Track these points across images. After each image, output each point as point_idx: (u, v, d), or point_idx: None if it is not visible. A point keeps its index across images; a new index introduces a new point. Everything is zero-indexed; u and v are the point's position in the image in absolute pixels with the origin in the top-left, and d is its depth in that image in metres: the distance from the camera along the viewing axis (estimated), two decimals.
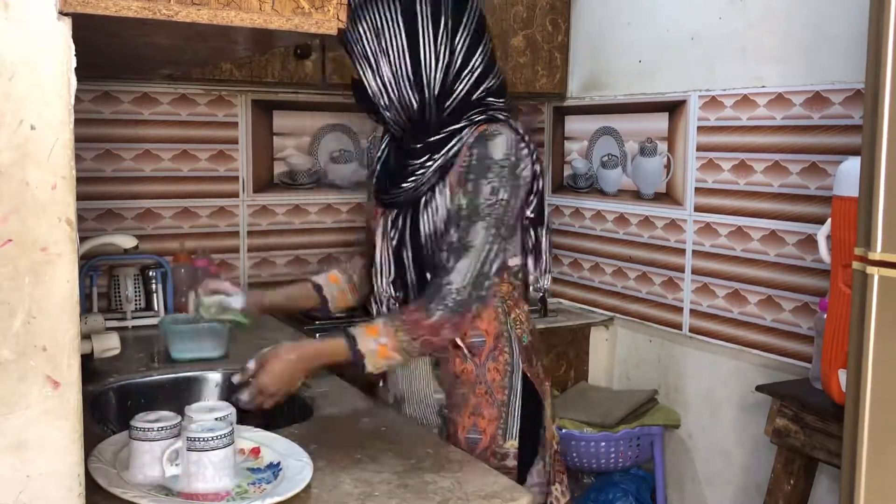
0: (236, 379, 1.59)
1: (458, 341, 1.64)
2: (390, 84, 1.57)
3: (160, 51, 1.41)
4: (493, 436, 1.64)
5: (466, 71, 1.59)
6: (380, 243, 1.70)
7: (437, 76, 1.58)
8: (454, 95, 1.59)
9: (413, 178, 1.61)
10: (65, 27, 0.89)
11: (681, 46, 2.59)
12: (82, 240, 2.11)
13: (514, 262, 1.67)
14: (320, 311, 1.91)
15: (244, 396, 1.55)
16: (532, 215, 1.66)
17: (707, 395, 2.57)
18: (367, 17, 1.55)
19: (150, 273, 2.51)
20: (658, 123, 2.68)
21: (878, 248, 1.42)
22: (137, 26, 1.02)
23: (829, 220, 1.84)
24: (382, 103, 1.60)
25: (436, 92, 1.58)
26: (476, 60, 1.60)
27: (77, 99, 0.92)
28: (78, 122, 0.93)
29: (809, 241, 2.25)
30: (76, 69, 0.91)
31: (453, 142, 1.59)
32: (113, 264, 2.52)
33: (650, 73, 2.70)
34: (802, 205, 2.28)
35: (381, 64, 1.56)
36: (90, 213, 2.59)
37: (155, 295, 2.51)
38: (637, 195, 2.78)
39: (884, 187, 1.40)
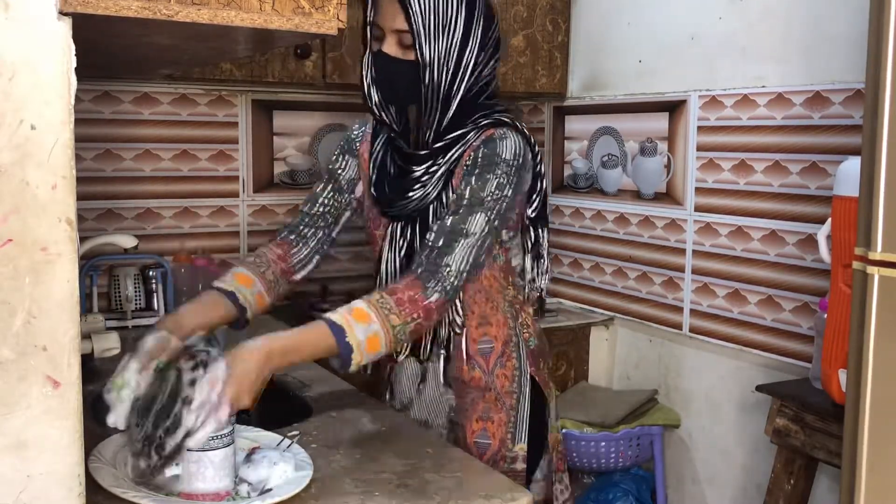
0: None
1: (467, 349, 1.62)
2: (439, 61, 1.53)
3: (160, 51, 1.40)
4: (502, 440, 1.63)
5: (485, 74, 1.60)
6: (386, 252, 1.64)
7: (471, 71, 1.56)
8: (471, 93, 1.58)
9: (419, 187, 1.58)
10: (65, 27, 0.89)
11: (681, 46, 2.59)
12: (82, 240, 2.10)
13: (517, 262, 1.66)
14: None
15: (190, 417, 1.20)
16: (533, 215, 1.64)
17: (707, 394, 2.57)
18: None
19: (150, 273, 2.52)
20: (658, 123, 2.68)
21: (879, 248, 1.42)
22: (137, 26, 1.02)
23: (830, 219, 1.84)
24: (426, 79, 1.53)
25: (468, 88, 1.56)
26: (492, 67, 1.61)
27: (77, 99, 0.92)
28: (78, 121, 0.93)
29: (809, 241, 2.25)
30: (76, 69, 0.91)
31: (457, 146, 1.57)
32: (113, 264, 2.52)
33: (650, 73, 2.70)
34: (802, 205, 2.28)
35: (440, 39, 1.52)
36: (90, 213, 2.59)
37: (155, 295, 2.51)
38: (637, 195, 2.78)
39: (884, 187, 1.40)
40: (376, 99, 1.58)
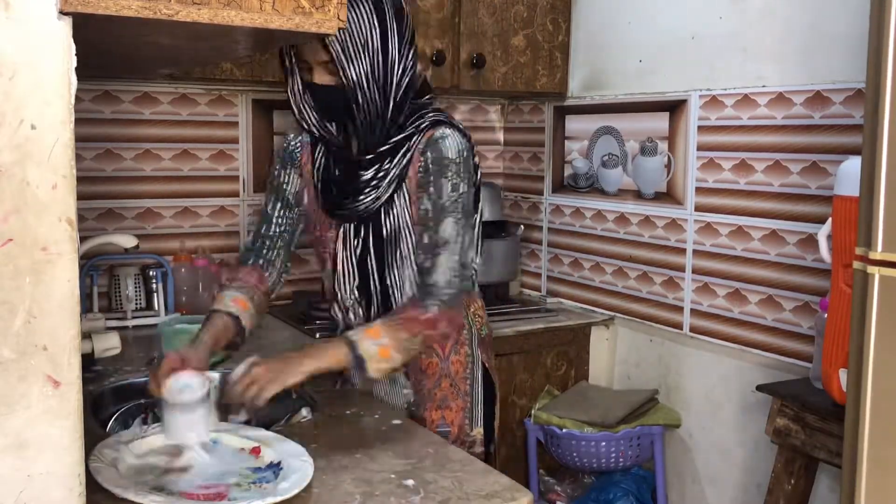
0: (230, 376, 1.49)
1: None
2: (367, 80, 1.59)
3: (160, 51, 1.41)
4: (461, 426, 1.76)
5: (408, 65, 1.64)
6: (341, 252, 1.74)
7: (399, 80, 1.63)
8: (407, 101, 1.65)
9: (369, 190, 1.66)
10: (65, 27, 0.89)
11: (681, 46, 2.59)
12: (83, 239, 2.11)
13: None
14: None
15: (236, 388, 1.46)
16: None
17: (707, 394, 2.57)
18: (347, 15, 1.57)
19: (151, 273, 2.52)
20: (658, 123, 2.68)
21: (879, 248, 1.42)
22: (138, 26, 1.02)
23: (830, 219, 1.84)
24: (358, 99, 1.60)
25: (397, 97, 1.63)
26: (412, 56, 1.65)
27: (77, 98, 0.92)
28: (78, 121, 0.93)
29: (810, 241, 2.25)
30: (76, 69, 0.91)
31: (403, 150, 1.64)
32: (113, 264, 2.52)
33: (650, 73, 2.70)
34: (803, 204, 2.28)
35: (361, 60, 1.58)
36: (90, 213, 2.59)
37: (155, 295, 2.51)
38: (637, 195, 2.78)
39: (884, 187, 1.40)
40: (314, 121, 1.68)
